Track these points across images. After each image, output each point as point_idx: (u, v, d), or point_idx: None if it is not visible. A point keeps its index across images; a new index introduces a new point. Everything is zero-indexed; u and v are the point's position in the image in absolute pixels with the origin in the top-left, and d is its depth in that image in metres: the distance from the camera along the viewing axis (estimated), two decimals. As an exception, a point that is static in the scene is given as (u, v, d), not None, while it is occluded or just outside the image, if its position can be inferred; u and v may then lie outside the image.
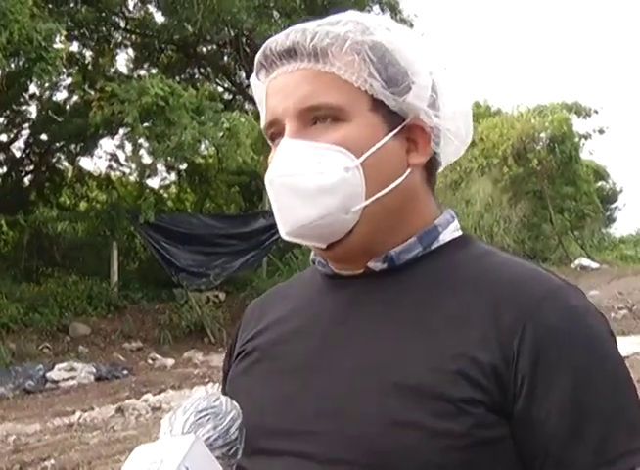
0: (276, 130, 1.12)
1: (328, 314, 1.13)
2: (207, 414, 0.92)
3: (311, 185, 1.06)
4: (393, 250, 1.11)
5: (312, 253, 1.20)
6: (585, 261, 22.57)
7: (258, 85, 1.19)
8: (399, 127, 1.11)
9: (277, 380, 1.11)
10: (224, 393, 1.14)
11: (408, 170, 1.12)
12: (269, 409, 1.08)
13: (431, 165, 1.16)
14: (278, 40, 1.12)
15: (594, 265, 22.29)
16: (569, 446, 0.96)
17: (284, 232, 1.09)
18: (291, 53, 1.10)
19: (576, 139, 23.56)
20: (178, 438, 0.90)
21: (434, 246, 1.13)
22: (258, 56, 1.15)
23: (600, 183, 30.69)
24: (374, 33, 1.11)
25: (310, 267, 1.27)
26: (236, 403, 0.96)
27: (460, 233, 1.17)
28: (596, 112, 23.26)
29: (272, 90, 1.13)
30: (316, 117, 1.08)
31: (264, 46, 1.14)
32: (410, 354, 1.02)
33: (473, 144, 22.60)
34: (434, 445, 0.96)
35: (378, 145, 1.08)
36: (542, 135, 23.04)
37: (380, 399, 1.00)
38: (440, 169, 1.21)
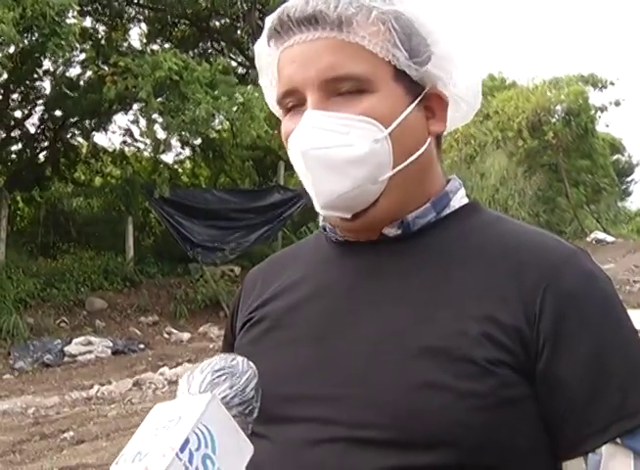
0: (294, 99, 1.10)
1: (341, 280, 1.13)
2: (224, 374, 0.94)
3: (342, 157, 1.05)
4: (410, 215, 1.11)
5: (321, 219, 1.21)
6: (601, 235, 22.47)
7: (266, 52, 1.16)
8: (420, 96, 1.11)
9: (293, 347, 1.11)
10: None
11: (429, 138, 1.13)
12: (286, 377, 1.08)
13: (440, 133, 1.17)
14: (297, 6, 1.08)
15: (609, 239, 22.19)
16: (591, 403, 0.98)
17: (319, 205, 1.09)
18: (312, 21, 1.07)
19: (592, 111, 23.36)
20: (195, 396, 0.91)
21: (446, 212, 1.14)
22: (272, 22, 1.12)
23: (616, 156, 30.49)
24: (394, 3, 1.10)
25: (313, 234, 1.28)
26: (252, 364, 0.97)
27: (467, 200, 1.18)
28: (612, 83, 23.07)
29: (288, 58, 1.10)
30: (340, 88, 1.07)
31: (280, 11, 1.11)
32: (432, 318, 1.03)
33: (488, 117, 22.50)
34: (461, 405, 0.97)
35: (403, 115, 1.09)
36: (558, 108, 22.88)
37: (404, 362, 1.01)
38: (447, 132, 1.21)
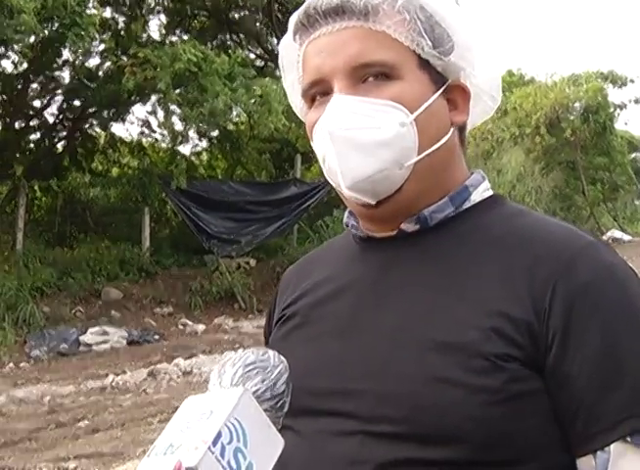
0: (320, 89, 1.12)
1: (364, 276, 1.15)
2: (256, 367, 0.94)
3: (369, 139, 1.07)
4: (426, 210, 1.13)
5: (345, 216, 1.22)
6: (617, 233, 22.37)
7: (292, 46, 1.18)
8: (444, 86, 1.13)
9: (319, 342, 1.13)
10: None
11: (452, 129, 1.14)
12: (313, 370, 1.10)
13: (464, 125, 1.19)
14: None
15: (626, 237, 22.10)
16: (601, 397, 0.98)
17: (345, 186, 1.10)
18: (338, 11, 1.09)
19: (611, 109, 23.22)
20: (227, 390, 0.92)
21: (466, 206, 1.15)
22: (299, 16, 1.14)
23: (634, 154, 30.26)
24: None
25: (342, 233, 1.30)
26: (283, 358, 0.97)
27: (491, 193, 1.19)
28: (632, 81, 22.92)
29: (314, 50, 1.12)
30: (367, 75, 1.09)
31: (306, 6, 1.13)
32: (446, 313, 1.04)
33: (505, 113, 22.41)
34: (473, 400, 0.98)
35: (429, 102, 1.10)
36: (576, 105, 22.74)
37: (419, 356, 1.02)
38: (468, 129, 1.22)
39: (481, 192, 1.17)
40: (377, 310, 1.10)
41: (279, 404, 0.94)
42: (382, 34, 1.09)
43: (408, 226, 1.13)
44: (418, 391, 1.00)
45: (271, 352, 0.97)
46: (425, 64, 1.11)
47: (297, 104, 1.23)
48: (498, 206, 1.17)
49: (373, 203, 1.11)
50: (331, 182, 1.14)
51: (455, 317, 1.03)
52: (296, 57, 1.18)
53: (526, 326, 1.00)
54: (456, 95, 1.15)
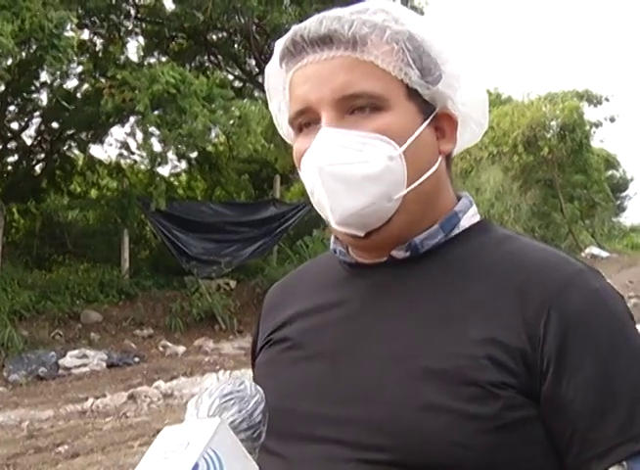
0: (307, 119, 1.11)
1: (353, 302, 1.15)
2: (232, 398, 0.94)
3: (358, 174, 1.07)
4: (417, 237, 1.12)
5: (332, 242, 1.21)
6: (595, 250, 22.49)
7: (278, 73, 1.17)
8: (432, 115, 1.13)
9: (308, 366, 1.12)
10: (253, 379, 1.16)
11: (440, 158, 1.14)
12: (302, 394, 1.10)
13: (450, 152, 1.18)
14: (310, 27, 1.10)
15: (604, 254, 22.21)
16: (595, 423, 0.98)
17: (334, 221, 1.09)
18: (326, 40, 1.08)
19: (587, 127, 23.37)
20: (204, 421, 0.92)
21: (455, 232, 1.15)
22: (285, 43, 1.13)
23: (610, 172, 30.51)
24: (405, 23, 1.12)
25: (324, 254, 1.29)
26: (260, 388, 0.98)
27: (478, 218, 1.19)
28: (607, 100, 23.09)
29: (301, 78, 1.11)
30: (355, 106, 1.08)
31: (293, 33, 1.12)
32: (437, 340, 1.04)
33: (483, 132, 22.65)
34: (466, 427, 0.98)
35: (417, 133, 1.10)
36: (553, 123, 22.89)
37: (409, 384, 1.02)
38: (454, 154, 1.22)
39: (470, 217, 1.18)
40: (367, 337, 1.09)
41: (255, 434, 0.94)
42: (369, 64, 1.08)
43: (399, 253, 1.13)
44: (409, 418, 1.00)
45: (248, 383, 0.97)
46: (413, 93, 1.11)
47: (284, 127, 1.22)
48: (487, 231, 1.17)
49: (362, 235, 1.11)
50: (320, 213, 1.13)
51: (446, 345, 1.03)
52: (282, 82, 1.17)
53: (520, 353, 1.00)
54: (444, 123, 1.15)
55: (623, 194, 32.67)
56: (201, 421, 0.93)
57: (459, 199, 1.19)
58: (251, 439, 0.93)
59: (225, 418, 0.92)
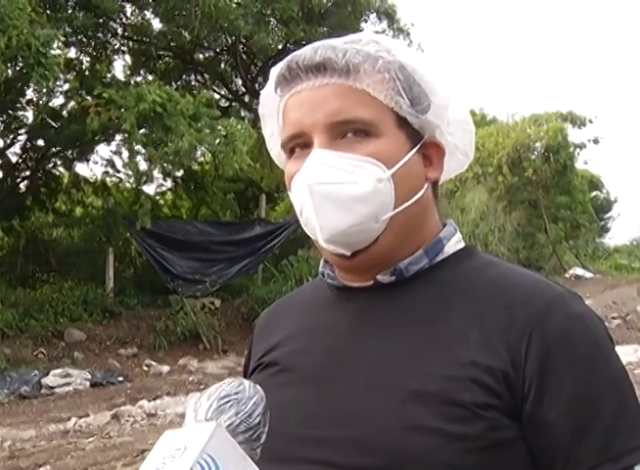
0: (299, 142, 1.15)
1: (340, 325, 1.17)
2: (230, 401, 0.94)
3: (347, 194, 1.10)
4: (402, 262, 1.16)
5: (321, 265, 1.25)
6: (579, 271, 22.59)
7: (273, 97, 1.21)
8: (420, 143, 1.17)
9: (295, 389, 1.15)
10: None
11: (426, 184, 1.18)
12: (291, 418, 1.12)
13: (437, 180, 1.22)
14: (306, 55, 1.14)
15: (588, 275, 22.31)
16: (576, 443, 1.00)
17: (322, 238, 1.12)
18: (320, 68, 1.12)
19: (571, 149, 23.55)
20: (201, 425, 0.92)
21: (439, 258, 1.18)
22: (281, 69, 1.17)
23: (594, 193, 30.76)
24: (396, 54, 1.16)
25: (312, 281, 1.33)
26: (259, 388, 0.98)
27: (463, 244, 1.22)
28: (591, 121, 23.28)
29: (295, 104, 1.15)
30: (346, 131, 1.12)
31: (289, 60, 1.16)
32: (423, 363, 1.07)
33: (468, 153, 22.77)
34: (451, 448, 1.00)
35: (405, 159, 1.14)
36: (537, 144, 23.06)
37: (396, 406, 1.04)
38: (441, 182, 1.26)
39: (454, 244, 1.21)
40: (353, 359, 1.12)
41: (255, 436, 0.94)
42: (361, 92, 1.12)
43: (384, 278, 1.16)
44: (398, 439, 1.02)
45: (247, 383, 0.98)
46: (402, 121, 1.14)
47: (275, 152, 1.26)
48: (470, 257, 1.20)
49: (348, 254, 1.14)
50: (308, 233, 1.16)
51: (431, 367, 1.05)
52: (276, 107, 1.20)
53: (503, 375, 1.03)
54: (431, 151, 1.19)
55: (607, 215, 32.92)
56: (198, 425, 0.93)
57: (444, 226, 1.23)
58: (250, 440, 0.93)
59: (222, 421, 0.92)
